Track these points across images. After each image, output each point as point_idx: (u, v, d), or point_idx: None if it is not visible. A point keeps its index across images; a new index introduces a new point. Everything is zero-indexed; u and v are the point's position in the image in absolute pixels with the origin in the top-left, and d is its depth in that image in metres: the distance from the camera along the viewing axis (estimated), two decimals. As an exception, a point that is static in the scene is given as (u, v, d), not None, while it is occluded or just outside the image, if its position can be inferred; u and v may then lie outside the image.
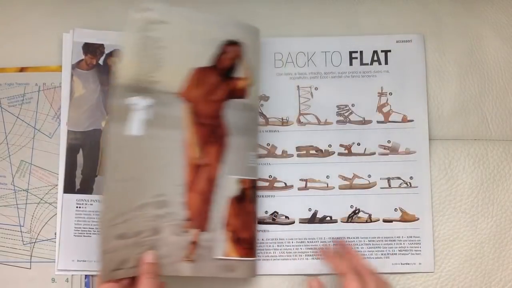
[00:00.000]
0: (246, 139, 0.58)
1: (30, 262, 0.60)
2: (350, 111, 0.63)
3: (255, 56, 0.60)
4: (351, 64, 0.63)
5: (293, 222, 0.62)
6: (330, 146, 0.62)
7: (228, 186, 0.57)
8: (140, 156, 0.54)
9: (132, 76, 0.54)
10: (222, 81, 0.57)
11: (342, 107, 0.63)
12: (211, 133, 0.56)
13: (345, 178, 0.62)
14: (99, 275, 0.53)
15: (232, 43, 0.57)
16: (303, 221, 0.62)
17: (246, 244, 0.58)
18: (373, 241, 0.61)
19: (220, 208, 0.57)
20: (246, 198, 0.58)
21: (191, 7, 0.58)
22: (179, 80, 0.55)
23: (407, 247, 0.60)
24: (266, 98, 0.63)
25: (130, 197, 0.54)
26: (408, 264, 0.60)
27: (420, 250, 0.60)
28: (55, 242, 0.60)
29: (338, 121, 0.63)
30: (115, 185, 0.53)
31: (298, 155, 0.62)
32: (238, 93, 0.58)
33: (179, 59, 0.55)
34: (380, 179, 0.62)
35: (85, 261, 0.59)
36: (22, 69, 0.63)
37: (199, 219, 0.56)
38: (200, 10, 0.57)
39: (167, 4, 0.55)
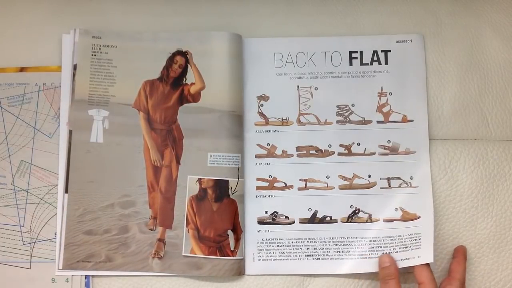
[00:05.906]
0: (204, 141, 0.61)
1: (30, 262, 0.60)
2: (350, 111, 0.63)
3: (222, 59, 0.62)
4: (351, 64, 0.63)
5: (293, 222, 0.62)
6: (330, 146, 0.62)
7: (188, 186, 0.60)
8: (103, 160, 0.60)
9: (89, 92, 0.61)
10: (172, 89, 0.62)
11: (342, 107, 0.63)
12: (166, 137, 0.61)
13: (345, 178, 0.62)
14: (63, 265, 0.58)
15: (179, 53, 0.62)
16: (303, 221, 0.62)
17: (211, 242, 0.60)
18: (374, 241, 0.61)
19: (182, 206, 0.60)
20: (207, 197, 0.60)
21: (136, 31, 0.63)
22: (132, 93, 0.62)
23: (408, 244, 0.60)
24: (266, 98, 0.63)
25: (96, 197, 0.60)
26: (408, 259, 0.59)
27: (420, 244, 0.59)
28: (55, 242, 0.60)
29: (338, 121, 0.63)
30: (81, 185, 0.60)
31: (298, 155, 0.62)
32: (191, 98, 0.61)
33: (130, 75, 0.62)
34: (380, 179, 0.62)
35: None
36: (22, 69, 0.63)
37: (163, 217, 0.61)
38: (153, 27, 0.63)
39: (112, 31, 0.62)
